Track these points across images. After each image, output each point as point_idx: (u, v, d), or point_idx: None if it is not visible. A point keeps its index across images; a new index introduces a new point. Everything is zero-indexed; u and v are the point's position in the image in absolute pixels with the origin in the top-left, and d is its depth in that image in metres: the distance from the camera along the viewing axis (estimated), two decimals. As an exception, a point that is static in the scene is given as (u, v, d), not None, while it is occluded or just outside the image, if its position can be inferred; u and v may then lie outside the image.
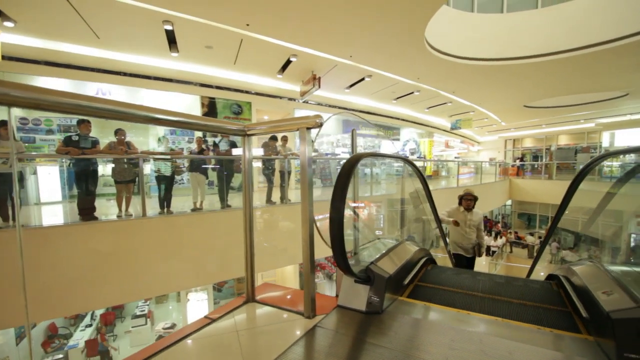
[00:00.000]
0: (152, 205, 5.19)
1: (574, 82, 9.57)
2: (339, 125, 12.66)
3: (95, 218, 4.37)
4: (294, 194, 6.74)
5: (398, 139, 15.20)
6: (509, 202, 18.94)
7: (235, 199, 5.67)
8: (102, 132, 7.00)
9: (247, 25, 5.73)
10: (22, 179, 5.16)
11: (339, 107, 11.49)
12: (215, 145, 7.79)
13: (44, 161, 6.36)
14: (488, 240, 14.72)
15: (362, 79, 9.10)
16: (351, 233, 2.63)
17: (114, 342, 8.04)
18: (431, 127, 16.51)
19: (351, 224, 2.68)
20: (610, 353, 1.55)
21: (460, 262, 4.22)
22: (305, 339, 1.72)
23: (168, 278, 4.64)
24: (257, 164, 8.21)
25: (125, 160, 5.08)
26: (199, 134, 6.62)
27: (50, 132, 6.94)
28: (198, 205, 5.49)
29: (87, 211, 4.38)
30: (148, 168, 5.89)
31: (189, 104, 8.45)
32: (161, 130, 8.30)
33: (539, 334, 1.88)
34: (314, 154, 9.02)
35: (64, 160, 5.11)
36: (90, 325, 8.11)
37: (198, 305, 8.94)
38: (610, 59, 7.54)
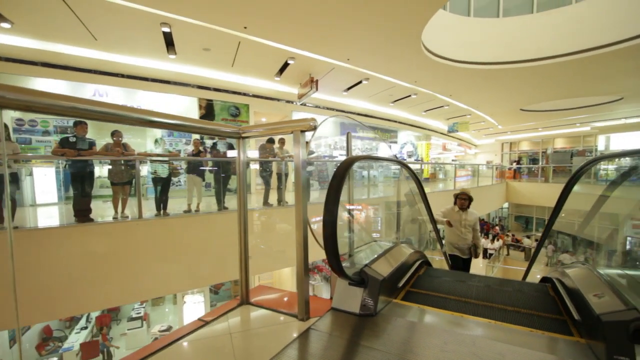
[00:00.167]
0: (149, 207, 5.18)
1: (569, 86, 9.66)
2: (336, 128, 12.68)
3: (91, 220, 4.35)
4: (291, 196, 6.73)
5: (396, 142, 15.25)
6: (505, 205, 19.02)
7: (232, 201, 5.67)
8: (99, 134, 6.99)
9: (245, 28, 5.76)
10: (17, 180, 5.14)
11: (337, 110, 11.54)
12: (213, 147, 7.80)
13: (40, 162, 6.34)
14: (485, 242, 14.76)
15: (360, 82, 9.14)
16: (346, 235, 2.64)
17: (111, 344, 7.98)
18: (428, 130, 16.59)
19: (346, 226, 2.69)
20: (600, 355, 1.56)
21: (457, 263, 4.21)
22: (298, 341, 1.72)
23: (164, 280, 4.62)
24: (255, 166, 8.22)
25: (122, 162, 5.07)
26: (196, 136, 6.62)
27: (46, 133, 6.92)
28: (195, 208, 5.48)
29: (82, 213, 4.37)
30: (145, 170, 5.88)
31: (186, 106, 8.46)
32: (158, 132, 8.29)
33: (531, 337, 1.89)
34: (313, 155, 9.06)
35: (60, 162, 5.09)
36: (86, 328, 8.05)
37: (194, 307, 8.90)
38: (605, 63, 7.63)
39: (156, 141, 8.44)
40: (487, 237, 15.75)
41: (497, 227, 18.05)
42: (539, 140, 19.73)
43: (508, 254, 15.37)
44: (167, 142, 8.44)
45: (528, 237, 15.91)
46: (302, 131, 1.81)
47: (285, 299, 2.40)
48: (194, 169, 5.81)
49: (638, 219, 2.88)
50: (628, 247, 2.76)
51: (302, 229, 1.87)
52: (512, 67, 8.12)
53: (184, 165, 6.12)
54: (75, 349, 7.19)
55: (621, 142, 15.34)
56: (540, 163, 18.47)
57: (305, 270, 1.92)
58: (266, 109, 9.75)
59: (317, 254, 2.16)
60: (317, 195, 6.18)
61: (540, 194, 14.61)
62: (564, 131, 17.52)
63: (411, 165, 12.07)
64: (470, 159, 22.18)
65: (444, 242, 4.43)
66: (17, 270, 3.32)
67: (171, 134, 8.47)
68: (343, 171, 1.85)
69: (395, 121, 14.19)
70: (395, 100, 11.56)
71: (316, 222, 2.14)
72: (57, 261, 3.78)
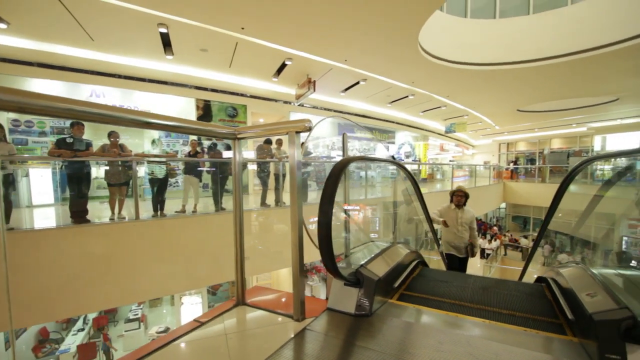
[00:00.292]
0: (146, 208, 5.17)
1: (566, 87, 9.72)
2: (334, 129, 12.71)
3: (87, 221, 4.34)
4: (289, 197, 6.74)
5: (393, 142, 15.29)
6: (503, 205, 19.09)
7: (229, 202, 5.65)
8: (96, 135, 6.98)
9: (242, 28, 5.77)
10: (13, 181, 5.11)
11: (335, 111, 11.55)
12: (210, 148, 7.79)
13: (36, 163, 6.31)
14: (483, 242, 14.80)
15: (357, 83, 9.17)
16: (342, 236, 2.65)
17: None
18: (426, 130, 16.64)
19: (342, 226, 2.69)
20: (592, 354, 1.57)
21: (453, 262, 4.19)
22: (293, 341, 1.72)
23: (161, 281, 4.61)
24: (253, 167, 8.21)
25: (119, 163, 5.07)
26: (193, 136, 6.62)
27: (43, 134, 6.90)
28: (192, 208, 5.47)
29: (79, 214, 4.35)
30: (142, 171, 5.87)
31: (184, 107, 8.45)
32: (156, 133, 8.28)
33: (526, 336, 1.90)
34: (312, 155, 9.06)
35: (56, 163, 5.08)
36: (83, 330, 8.02)
37: (192, 308, 8.89)
38: (601, 64, 7.68)
39: (153, 142, 8.44)
40: (485, 237, 15.80)
41: (495, 228, 18.11)
42: (536, 141, 19.82)
43: (505, 254, 15.43)
44: (165, 143, 8.43)
45: (525, 237, 15.97)
46: (297, 132, 1.81)
47: (282, 299, 2.41)
48: (191, 169, 5.81)
49: (633, 219, 2.92)
50: (621, 246, 2.78)
51: (297, 230, 1.87)
52: (509, 68, 8.16)
53: (181, 166, 6.12)
54: (72, 351, 7.16)
55: (617, 142, 15.46)
56: (537, 163, 18.56)
57: (301, 271, 1.93)
58: (264, 109, 9.76)
59: (314, 254, 2.17)
60: (315, 196, 6.19)
61: (537, 194, 14.69)
62: (560, 132, 17.62)
63: (409, 166, 12.12)
64: (467, 159, 22.25)
65: (440, 241, 4.43)
66: (13, 272, 3.32)
67: (168, 135, 8.46)
68: (338, 172, 1.86)
69: (393, 122, 14.23)
70: (393, 101, 11.59)
71: (313, 223, 2.14)
72: (54, 262, 3.76)
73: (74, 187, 4.57)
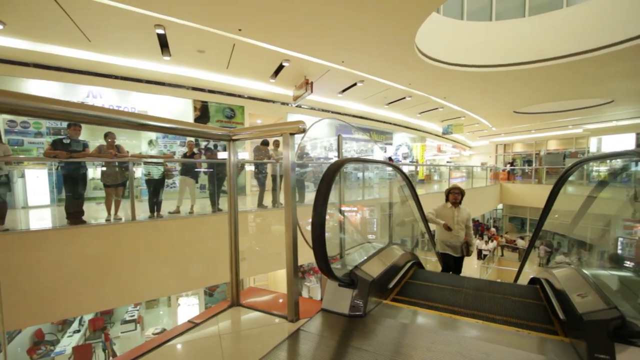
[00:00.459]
0: (143, 209, 5.17)
1: (561, 88, 9.80)
2: (332, 130, 12.74)
3: (84, 222, 4.33)
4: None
5: (391, 144, 15.33)
6: (500, 206, 19.16)
7: (226, 203, 5.66)
8: (93, 135, 6.96)
9: (240, 30, 5.78)
10: (8, 182, 5.09)
11: (332, 112, 11.58)
12: (208, 149, 7.80)
13: (32, 164, 6.29)
14: (479, 243, 14.85)
15: (355, 84, 9.20)
16: (337, 237, 2.66)
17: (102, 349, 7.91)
18: (423, 131, 16.70)
19: (337, 227, 2.71)
20: (582, 354, 1.59)
21: (449, 262, 4.15)
22: (287, 342, 1.73)
23: (158, 282, 4.60)
24: (251, 168, 8.21)
25: (117, 164, 5.06)
26: (190, 137, 6.61)
27: (39, 134, 6.87)
28: (189, 209, 5.47)
29: (75, 215, 4.34)
30: (139, 172, 5.86)
31: (181, 108, 8.44)
32: (153, 134, 8.26)
33: (517, 336, 1.92)
34: (309, 156, 9.06)
35: (52, 164, 5.06)
36: (78, 331, 7.97)
37: (189, 310, 8.87)
38: (596, 66, 7.76)
39: (150, 142, 8.41)
40: (482, 239, 15.85)
41: (492, 229, 18.19)
42: (532, 142, 19.95)
43: (502, 255, 15.50)
44: (162, 143, 8.41)
45: (522, 238, 16.05)
46: (292, 134, 1.83)
47: (276, 300, 2.41)
48: (187, 170, 5.81)
49: (628, 220, 2.94)
50: (611, 247, 2.81)
51: (291, 231, 1.88)
52: (505, 70, 8.22)
53: (178, 167, 6.11)
54: (68, 353, 7.12)
55: (612, 143, 15.58)
56: (534, 165, 18.66)
57: (295, 272, 1.94)
58: (261, 110, 9.77)
59: (311, 255, 2.17)
60: (313, 197, 6.20)
61: (534, 195, 14.75)
62: (556, 133, 17.74)
63: (406, 167, 12.13)
64: (465, 160, 22.35)
65: (435, 240, 4.42)
66: (8, 273, 3.31)
67: (166, 136, 8.44)
68: (331, 174, 1.87)
69: (391, 123, 14.27)
70: (390, 103, 11.64)
71: (310, 224, 2.15)
72: (49, 264, 3.75)
73: (70, 188, 4.55)
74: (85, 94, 7.24)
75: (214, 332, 1.84)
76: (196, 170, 6.05)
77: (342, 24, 5.67)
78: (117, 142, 5.13)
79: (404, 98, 10.84)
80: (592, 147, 16.83)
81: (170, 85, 7.97)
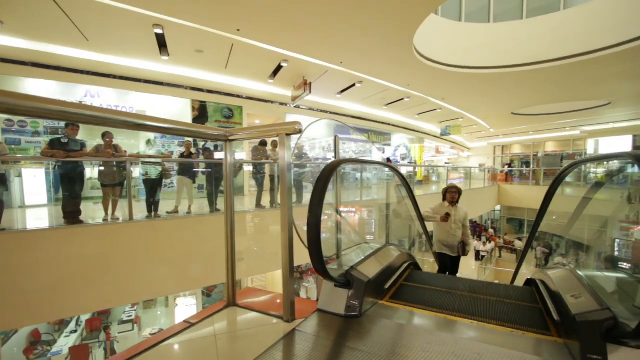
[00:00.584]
0: (141, 209, 5.16)
1: (559, 90, 9.84)
2: (331, 131, 12.75)
3: (81, 221, 4.32)
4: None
5: (389, 145, 15.36)
6: (498, 208, 19.22)
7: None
8: (91, 135, 6.96)
9: (238, 30, 5.78)
10: (5, 181, 5.08)
11: (331, 113, 11.59)
12: (206, 149, 7.79)
13: (29, 163, 6.28)
14: (477, 245, 14.89)
15: (353, 85, 9.21)
16: (333, 237, 2.67)
17: (100, 349, 7.88)
18: (422, 133, 16.73)
19: (334, 228, 2.71)
20: (575, 354, 1.60)
21: (445, 261, 4.14)
22: (282, 342, 1.73)
23: (155, 283, 4.59)
24: (249, 168, 8.22)
25: (114, 164, 5.05)
26: (188, 137, 6.62)
27: (36, 134, 6.86)
28: (187, 210, 5.47)
29: (72, 214, 4.34)
30: (137, 171, 5.86)
31: (179, 108, 8.44)
32: (151, 134, 8.26)
33: (512, 337, 1.93)
34: (308, 156, 9.06)
35: (50, 163, 5.06)
36: (75, 331, 7.95)
37: (186, 310, 8.86)
38: (593, 68, 7.80)
39: (149, 142, 8.41)
40: (480, 240, 15.90)
41: (490, 230, 18.25)
42: (530, 144, 20.02)
43: (500, 256, 15.54)
44: (160, 143, 8.41)
45: (520, 239, 16.10)
46: (288, 134, 1.83)
47: (272, 300, 2.42)
48: (184, 170, 5.80)
49: (621, 221, 2.97)
50: (606, 248, 2.83)
51: (287, 231, 1.89)
52: (503, 72, 8.26)
53: (176, 167, 6.11)
54: (65, 353, 7.10)
55: (609, 146, 15.65)
56: (532, 166, 18.73)
57: (291, 272, 1.94)
58: (260, 111, 9.77)
59: (309, 256, 2.18)
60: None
61: (532, 196, 14.79)
62: (554, 135, 17.81)
63: (404, 168, 12.13)
64: (463, 161, 22.41)
65: (433, 241, 4.42)
66: (4, 272, 3.30)
67: (164, 136, 8.44)
68: (327, 174, 1.88)
69: (389, 124, 14.29)
70: (389, 103, 11.66)
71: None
72: (46, 263, 3.74)
73: (68, 187, 4.55)
74: (84, 94, 7.23)
75: (209, 332, 1.84)
76: (194, 170, 6.05)
77: (340, 25, 5.68)
78: (115, 141, 5.12)
79: (403, 99, 10.87)
80: (590, 149, 16.91)
81: (168, 85, 7.96)
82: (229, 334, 1.87)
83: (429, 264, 4.92)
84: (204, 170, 6.57)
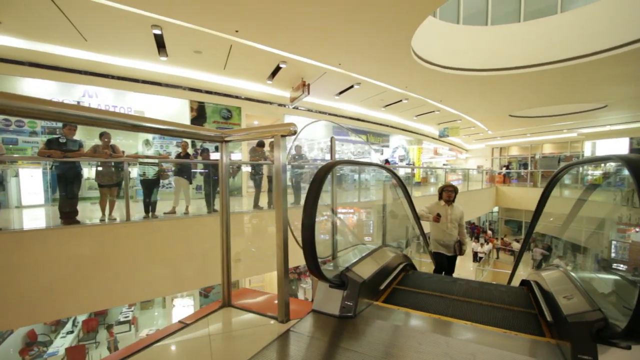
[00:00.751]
0: (138, 210, 5.15)
1: (556, 93, 9.90)
2: (330, 132, 12.78)
3: (77, 222, 4.31)
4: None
5: (388, 146, 15.40)
6: (495, 209, 19.27)
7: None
8: (89, 135, 6.95)
9: (237, 31, 5.80)
10: (2, 181, 5.07)
11: (329, 114, 11.61)
12: (205, 150, 7.79)
13: (26, 163, 6.26)
14: (475, 246, 14.92)
15: (352, 87, 9.24)
16: (329, 238, 2.67)
17: (97, 350, 7.86)
18: (420, 134, 16.78)
19: (329, 229, 2.72)
20: (567, 355, 1.62)
21: (441, 261, 4.14)
22: (276, 343, 1.74)
23: (152, 283, 4.59)
24: (247, 169, 8.22)
25: (112, 164, 5.05)
26: (184, 138, 6.62)
27: (34, 133, 6.85)
28: (184, 210, 5.47)
29: (69, 215, 4.33)
30: (135, 172, 5.86)
31: (177, 108, 8.44)
32: (148, 134, 8.26)
33: (505, 338, 1.94)
34: (306, 157, 9.06)
35: (47, 163, 5.05)
36: (72, 332, 7.92)
37: (184, 311, 8.84)
38: (590, 71, 7.85)
39: (147, 142, 8.41)
40: (478, 241, 15.93)
41: (489, 232, 18.29)
42: (528, 146, 20.11)
43: (498, 257, 15.58)
44: (158, 144, 8.41)
45: (517, 240, 16.14)
46: (283, 136, 1.84)
47: (267, 301, 2.42)
48: (180, 171, 5.81)
49: (616, 223, 2.99)
50: (599, 249, 2.84)
51: (282, 232, 1.89)
52: (500, 74, 8.30)
53: (173, 168, 6.11)
54: (61, 354, 7.07)
55: (606, 148, 15.73)
56: (529, 168, 18.80)
57: (286, 273, 1.95)
58: (258, 112, 9.78)
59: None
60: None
61: (529, 198, 14.84)
62: (551, 137, 17.90)
63: (402, 169, 12.14)
64: (461, 163, 22.47)
65: (429, 240, 4.42)
66: (0, 273, 3.28)
67: (162, 136, 8.44)
68: (322, 175, 1.89)
69: (387, 125, 14.33)
70: (387, 105, 11.69)
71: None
72: (43, 264, 3.73)
73: (65, 187, 4.54)
74: (82, 94, 7.23)
75: (204, 333, 1.84)
76: (192, 171, 6.05)
77: (338, 27, 5.70)
78: (113, 142, 5.12)
79: (401, 101, 10.90)
80: (587, 151, 16.98)
81: (167, 85, 7.97)
82: (223, 335, 1.87)
83: (425, 264, 4.93)
84: (202, 171, 6.57)
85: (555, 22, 7.84)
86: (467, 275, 11.76)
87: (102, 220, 4.63)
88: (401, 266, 3.17)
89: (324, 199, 2.63)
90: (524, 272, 4.44)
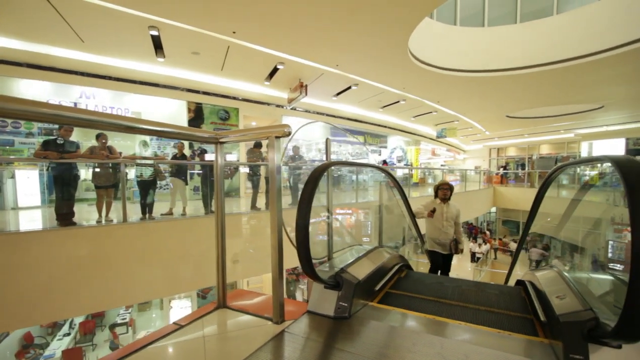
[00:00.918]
0: (135, 211, 5.15)
1: (553, 94, 9.95)
2: (328, 133, 12.80)
3: (74, 223, 4.30)
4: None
5: (385, 147, 15.42)
6: (493, 209, 19.32)
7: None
8: (86, 136, 6.94)
9: (234, 32, 5.80)
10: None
11: (327, 115, 11.63)
12: (203, 151, 7.78)
13: (22, 165, 6.24)
14: (473, 246, 14.96)
15: (349, 88, 9.26)
16: (324, 239, 2.68)
17: (94, 352, 7.83)
18: (418, 135, 16.82)
19: (324, 230, 2.73)
20: (559, 354, 1.63)
21: (437, 259, 4.11)
22: (271, 344, 1.74)
23: (150, 285, 4.57)
24: (245, 170, 8.22)
25: (110, 165, 5.04)
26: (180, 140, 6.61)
27: (30, 135, 6.83)
28: (181, 212, 5.46)
29: (65, 216, 4.32)
30: (132, 173, 5.85)
31: (175, 109, 8.44)
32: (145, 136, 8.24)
33: (499, 338, 1.95)
34: (305, 157, 9.05)
35: (43, 164, 5.04)
36: (69, 334, 7.89)
37: (181, 312, 8.81)
38: (586, 72, 7.89)
39: (145, 143, 8.38)
40: (476, 242, 15.97)
41: (487, 233, 18.34)
42: (525, 147, 20.19)
43: (496, 258, 15.62)
44: (155, 145, 8.39)
45: (515, 241, 16.18)
46: (277, 137, 1.85)
47: (263, 302, 2.42)
48: (177, 172, 5.80)
49: (610, 223, 3.01)
50: (594, 249, 2.86)
51: (277, 232, 1.90)
52: (497, 75, 8.34)
53: (170, 169, 6.10)
54: (57, 356, 7.04)
55: (603, 148, 15.82)
56: (527, 168, 18.87)
57: (280, 274, 1.95)
58: (256, 113, 9.79)
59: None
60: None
61: (527, 198, 14.87)
62: (549, 137, 17.98)
63: (400, 170, 12.16)
64: (459, 164, 22.53)
65: (425, 239, 4.41)
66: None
67: (159, 137, 8.42)
68: (317, 176, 1.90)
69: (385, 126, 14.36)
70: (385, 106, 11.72)
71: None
72: (39, 265, 3.72)
73: (61, 189, 4.52)
74: (79, 95, 7.22)
75: (198, 334, 1.84)
76: (189, 172, 6.04)
77: (336, 28, 5.72)
78: (109, 143, 5.11)
79: (398, 102, 10.93)
80: (584, 151, 17.07)
81: (164, 86, 7.96)
82: (217, 336, 1.87)
83: (422, 265, 4.94)
84: (199, 172, 6.57)
85: (552, 23, 7.89)
86: (465, 276, 11.79)
87: (99, 221, 4.62)
88: (397, 267, 3.17)
89: (320, 199, 2.64)
90: (520, 272, 4.45)
